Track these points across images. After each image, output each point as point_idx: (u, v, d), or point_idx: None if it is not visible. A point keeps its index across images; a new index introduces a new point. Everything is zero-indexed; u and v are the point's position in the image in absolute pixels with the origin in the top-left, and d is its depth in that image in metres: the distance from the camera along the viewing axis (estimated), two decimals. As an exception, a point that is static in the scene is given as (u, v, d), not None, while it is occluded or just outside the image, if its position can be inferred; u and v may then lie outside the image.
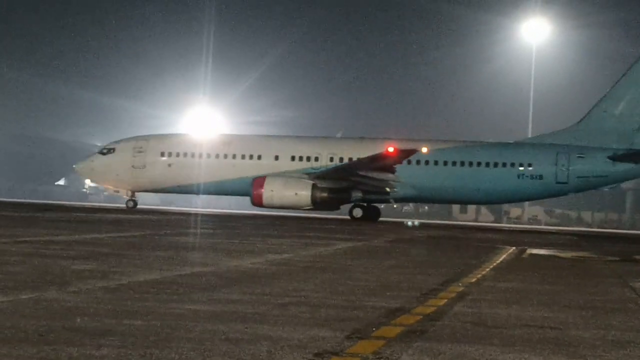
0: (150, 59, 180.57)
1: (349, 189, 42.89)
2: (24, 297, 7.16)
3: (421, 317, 7.06)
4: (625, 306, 8.86)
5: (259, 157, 44.89)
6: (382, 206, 49.71)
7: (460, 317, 7.23)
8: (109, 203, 69.48)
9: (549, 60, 79.99)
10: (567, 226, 72.60)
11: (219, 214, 45.45)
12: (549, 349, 5.84)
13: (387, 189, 43.21)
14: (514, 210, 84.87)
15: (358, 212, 43.68)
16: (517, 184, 43.52)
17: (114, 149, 45.63)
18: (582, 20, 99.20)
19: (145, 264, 11.06)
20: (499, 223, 74.71)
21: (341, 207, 45.32)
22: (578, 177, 43.30)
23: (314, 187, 41.75)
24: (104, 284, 8.40)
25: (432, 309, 7.64)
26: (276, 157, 44.65)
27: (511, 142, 47.06)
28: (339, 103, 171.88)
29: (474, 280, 10.97)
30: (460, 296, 8.90)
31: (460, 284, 10.17)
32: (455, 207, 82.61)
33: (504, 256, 16.89)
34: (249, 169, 44.05)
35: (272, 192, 41.50)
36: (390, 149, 40.25)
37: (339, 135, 49.11)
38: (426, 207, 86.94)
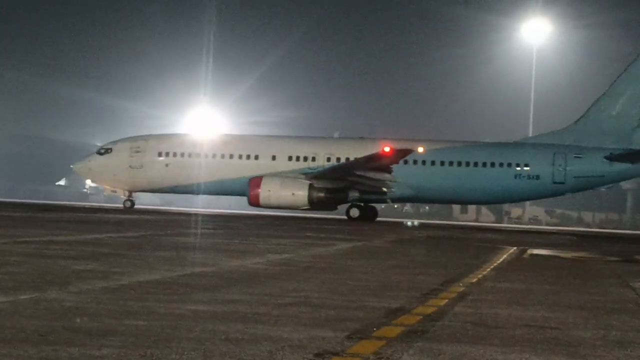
0: (151, 59, 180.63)
1: (346, 189, 42.93)
2: (24, 297, 7.16)
3: (422, 317, 7.06)
4: (626, 306, 8.85)
5: (256, 157, 44.95)
6: (383, 206, 49.76)
7: (461, 317, 7.23)
8: (110, 203, 69.44)
9: (550, 61, 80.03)
10: (568, 226, 72.59)
11: (220, 214, 45.46)
12: (549, 349, 5.84)
13: (384, 189, 43.27)
14: (515, 211, 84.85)
15: (355, 212, 43.72)
16: (514, 184, 43.59)
17: (111, 149, 45.69)
18: (583, 21, 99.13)
19: (146, 264, 11.06)
20: (500, 223, 74.70)
21: (338, 207, 45.34)
22: (575, 177, 43.37)
23: (310, 187, 41.79)
24: (104, 284, 8.40)
25: (433, 309, 7.64)
26: (273, 157, 44.71)
27: (508, 142, 47.07)
28: (339, 103, 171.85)
29: (474, 280, 10.97)
30: (461, 296, 8.89)
31: (461, 284, 10.17)
32: (456, 208, 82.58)
33: (504, 256, 16.89)
34: (247, 169, 44.08)
35: (269, 192, 41.56)
36: (386, 149, 40.29)
37: (336, 135, 49.19)
38: (427, 208, 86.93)
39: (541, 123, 76.62)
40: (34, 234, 17.14)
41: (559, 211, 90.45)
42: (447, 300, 8.38)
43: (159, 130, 52.27)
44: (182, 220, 32.90)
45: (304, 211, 44.04)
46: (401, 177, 43.03)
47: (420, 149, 42.64)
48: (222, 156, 45.10)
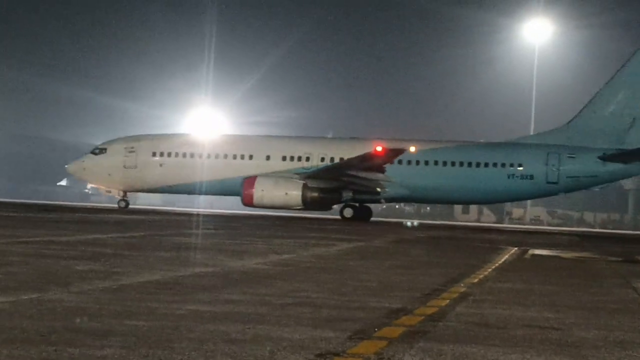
0: (152, 59, 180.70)
1: (340, 189, 42.98)
2: (25, 297, 7.16)
3: (423, 317, 7.05)
4: (628, 307, 8.85)
5: (251, 157, 45.05)
6: (384, 206, 49.76)
7: (463, 317, 7.22)
8: (111, 204, 69.47)
9: (551, 61, 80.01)
10: (569, 226, 72.57)
11: (220, 214, 45.48)
12: (551, 349, 5.83)
13: (378, 189, 43.34)
14: (516, 211, 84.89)
15: (349, 212, 43.77)
16: (507, 184, 43.67)
17: (105, 149, 45.80)
18: (584, 21, 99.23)
19: (147, 264, 11.06)
20: (501, 223, 74.69)
21: (333, 207, 45.32)
22: (568, 177, 43.47)
23: (304, 187, 41.84)
24: (105, 284, 8.40)
25: (434, 309, 7.64)
26: (267, 157, 44.81)
27: (502, 142, 47.11)
28: (340, 103, 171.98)
29: (476, 280, 10.96)
30: (462, 297, 8.89)
31: (462, 285, 10.16)
32: (457, 208, 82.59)
33: (506, 256, 16.88)
34: (241, 169, 44.15)
35: (263, 192, 41.62)
36: (378, 149, 40.33)
37: (330, 135, 49.32)
38: (428, 208, 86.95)
39: (542, 123, 76.66)
40: (34, 234, 17.15)
41: (560, 211, 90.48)
42: (448, 301, 8.38)
43: (159, 131, 52.26)
44: (182, 220, 32.90)
45: (297, 211, 44.08)
46: (395, 177, 43.11)
47: (412, 149, 42.74)
48: (217, 156, 45.20)
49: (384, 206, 78.63)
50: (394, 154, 41.16)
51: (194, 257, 12.97)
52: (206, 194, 48.24)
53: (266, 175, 42.76)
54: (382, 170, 42.25)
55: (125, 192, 46.46)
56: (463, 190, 44.22)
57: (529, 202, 76.74)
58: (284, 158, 44.63)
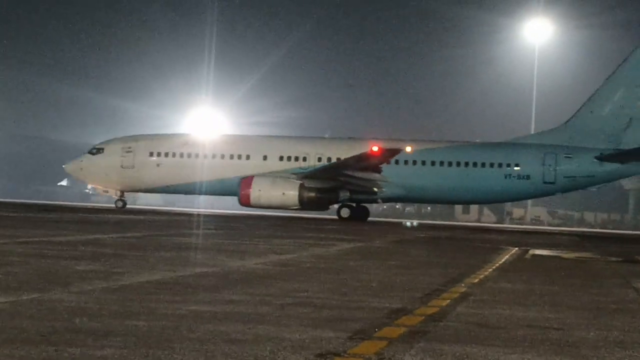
0: (152, 59, 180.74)
1: (337, 188, 43.00)
2: (25, 297, 7.16)
3: (424, 317, 7.05)
4: (628, 307, 8.84)
5: (248, 157, 45.08)
6: (385, 206, 49.80)
7: (463, 317, 7.22)
8: (111, 204, 69.46)
9: (552, 61, 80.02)
10: (570, 227, 72.56)
11: (220, 215, 45.49)
12: (551, 349, 5.83)
13: (375, 189, 43.37)
14: (517, 211, 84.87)
15: (345, 212, 43.80)
16: (504, 184, 43.69)
17: (103, 149, 45.83)
18: (585, 21, 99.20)
19: (147, 264, 11.06)
20: (502, 224, 74.67)
21: (330, 207, 45.31)
22: (565, 177, 43.49)
23: (301, 187, 41.86)
24: (105, 284, 8.39)
25: (435, 309, 7.64)
26: (264, 157, 44.85)
27: (499, 142, 47.14)
28: (340, 104, 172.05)
29: (476, 280, 10.96)
30: (463, 297, 8.89)
31: (462, 285, 10.16)
32: (458, 208, 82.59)
33: (506, 257, 16.88)
34: (238, 169, 44.17)
35: (260, 192, 41.65)
36: (375, 149, 40.35)
37: (327, 135, 49.36)
38: (428, 208, 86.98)
39: (543, 123, 76.58)
40: (35, 235, 17.15)
41: (561, 211, 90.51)
42: (448, 301, 8.38)
43: (159, 131, 52.26)
44: (183, 220, 32.91)
45: (294, 211, 44.09)
46: (392, 177, 43.14)
47: (408, 149, 42.78)
48: (214, 156, 45.22)
49: (385, 206, 78.70)
50: (390, 154, 41.20)
51: (194, 257, 12.97)
52: (204, 194, 48.26)
53: (263, 175, 42.79)
54: (379, 170, 42.29)
55: (122, 192, 46.50)
56: (460, 190, 44.26)
57: (529, 202, 76.75)
58: (281, 158, 44.67)
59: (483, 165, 43.86)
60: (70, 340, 5.32)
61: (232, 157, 45.22)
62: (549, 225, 77.11)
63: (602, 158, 42.86)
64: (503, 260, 15.79)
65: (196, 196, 57.60)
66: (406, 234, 30.18)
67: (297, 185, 41.86)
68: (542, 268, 14.72)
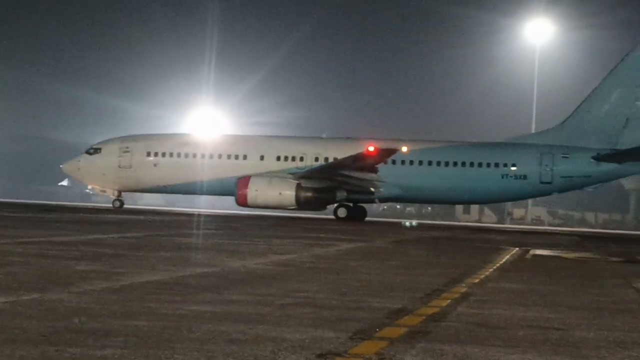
0: (153, 59, 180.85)
1: (334, 188, 43.00)
2: (26, 297, 7.16)
3: (424, 317, 7.05)
4: (629, 307, 8.84)
5: (245, 157, 45.09)
6: (386, 206, 49.74)
7: (464, 317, 7.22)
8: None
9: (552, 61, 80.00)
10: (571, 227, 72.54)
11: (220, 215, 45.50)
12: (552, 349, 5.83)
13: (372, 189, 43.39)
14: (517, 211, 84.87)
15: (342, 212, 43.82)
16: (501, 183, 43.69)
17: (100, 149, 45.87)
18: (585, 21, 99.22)
19: (148, 264, 11.06)
20: (502, 224, 74.67)
21: (327, 207, 45.27)
22: (562, 177, 43.50)
23: (298, 186, 41.87)
24: (106, 284, 8.39)
25: (436, 309, 7.63)
26: (261, 157, 44.86)
27: (495, 142, 47.15)
28: (341, 104, 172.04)
29: (477, 281, 10.96)
30: (464, 297, 8.88)
31: (463, 285, 10.16)
32: (458, 208, 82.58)
33: (507, 257, 16.88)
34: (235, 169, 44.18)
35: (257, 191, 41.68)
36: (371, 149, 40.35)
37: (324, 135, 49.39)
38: (429, 208, 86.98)
39: (543, 123, 76.51)
40: (35, 235, 17.16)
41: (561, 212, 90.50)
42: (449, 301, 8.37)
43: (160, 131, 52.24)
44: (183, 220, 32.92)
45: (291, 211, 44.10)
46: (388, 177, 43.15)
47: (404, 149, 42.79)
48: (211, 156, 45.24)
49: (385, 206, 78.69)
50: (386, 154, 41.21)
51: (194, 257, 12.97)
52: (201, 194, 48.31)
53: (260, 175, 42.79)
54: (375, 170, 42.29)
55: (120, 192, 46.52)
56: (456, 190, 44.27)
57: (529, 202, 76.77)
58: (278, 158, 44.69)
59: (480, 165, 43.89)
60: (70, 340, 5.32)
61: (229, 157, 45.24)
62: (550, 225, 77.09)
63: (599, 158, 42.88)
64: (504, 260, 15.79)
65: (197, 196, 57.65)
66: (406, 234, 30.18)
67: (294, 185, 41.87)
68: (543, 268, 14.72)
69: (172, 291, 8.14)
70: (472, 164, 43.95)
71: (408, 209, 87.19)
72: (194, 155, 45.27)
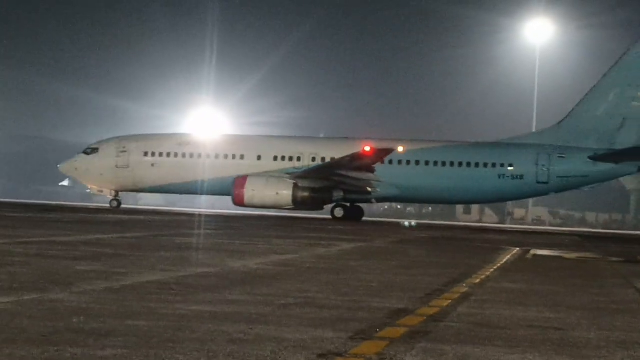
0: (153, 59, 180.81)
1: (331, 188, 42.99)
2: (27, 297, 7.16)
3: (425, 318, 7.05)
4: (629, 307, 8.84)
5: (242, 157, 45.10)
6: (386, 206, 49.71)
7: (464, 318, 7.22)
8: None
9: (553, 61, 79.97)
10: (571, 227, 72.52)
11: (221, 215, 45.50)
12: (552, 350, 5.83)
13: (369, 189, 43.38)
14: (518, 211, 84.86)
15: (339, 212, 43.79)
16: (498, 184, 43.69)
17: (97, 149, 45.88)
18: (585, 21, 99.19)
19: (149, 264, 11.06)
20: (503, 224, 74.66)
21: (324, 207, 45.23)
22: (559, 177, 43.49)
23: (295, 186, 41.87)
24: (107, 284, 8.40)
25: (436, 309, 7.64)
26: (259, 157, 44.87)
27: (492, 142, 47.14)
28: (341, 104, 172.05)
29: (477, 281, 10.96)
30: (464, 297, 8.89)
31: (464, 285, 10.16)
32: (459, 208, 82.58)
33: (508, 257, 16.88)
34: (232, 169, 44.18)
35: (254, 191, 41.69)
36: (367, 148, 40.36)
37: (321, 135, 49.41)
38: (430, 208, 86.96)
39: (544, 123, 76.40)
40: (37, 235, 17.16)
41: (562, 212, 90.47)
42: (450, 301, 8.38)
43: (160, 131, 52.26)
44: (183, 220, 32.92)
45: (288, 211, 44.10)
46: (385, 177, 43.15)
47: (400, 149, 42.80)
48: (208, 156, 45.24)
49: (386, 206, 78.68)
50: (382, 154, 41.21)
51: (195, 258, 12.98)
52: (198, 193, 48.33)
53: (257, 175, 42.81)
54: (372, 170, 42.29)
55: (117, 192, 46.53)
56: (453, 190, 44.27)
57: (530, 202, 76.75)
58: (275, 158, 44.70)
59: (477, 165, 43.91)
60: (71, 340, 5.32)
61: (226, 157, 45.25)
62: (551, 225, 77.06)
63: (596, 158, 42.87)
64: (504, 260, 15.79)
65: (197, 196, 57.63)
66: (407, 234, 30.18)
67: (291, 185, 41.88)
68: (544, 268, 14.72)
69: (172, 291, 8.15)
70: (468, 164, 43.97)
71: (409, 209, 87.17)
72: (192, 155, 45.31)
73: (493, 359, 5.40)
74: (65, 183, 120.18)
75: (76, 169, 46.50)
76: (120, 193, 47.01)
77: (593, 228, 75.22)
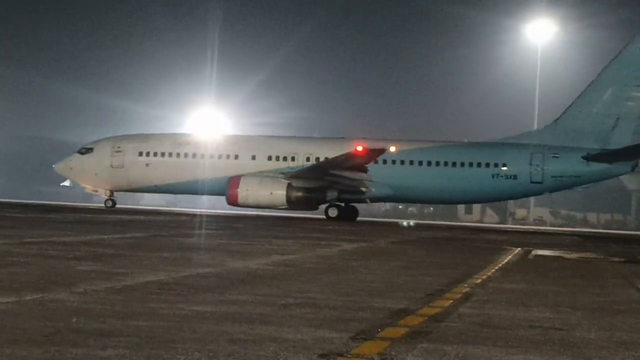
0: (154, 59, 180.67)
1: (324, 188, 42.97)
2: (28, 297, 7.16)
3: (426, 318, 7.05)
4: (631, 307, 8.84)
5: (236, 157, 45.11)
6: (388, 206, 49.66)
7: (466, 318, 7.22)
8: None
9: (554, 61, 79.93)
10: (573, 227, 72.50)
11: (221, 215, 45.51)
12: (554, 350, 5.82)
13: (362, 189, 43.38)
14: (520, 211, 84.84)
15: (333, 212, 43.79)
16: (491, 183, 43.66)
17: (92, 149, 45.88)
18: (587, 21, 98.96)
19: (150, 264, 11.06)
20: (504, 224, 74.65)
21: (319, 206, 45.20)
22: (552, 176, 43.46)
23: (289, 186, 41.87)
24: (108, 284, 8.40)
25: (437, 309, 7.63)
26: (253, 157, 44.86)
27: (486, 142, 47.12)
28: (343, 104, 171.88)
29: (479, 281, 10.95)
30: (466, 297, 8.88)
31: (465, 285, 10.16)
32: (460, 208, 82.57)
33: (509, 257, 16.87)
34: (226, 169, 44.18)
35: (248, 191, 41.70)
36: (359, 148, 40.36)
37: (316, 135, 49.42)
38: (431, 208, 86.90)
39: (546, 123, 76.40)
40: (38, 235, 17.16)
41: (564, 212, 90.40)
42: (451, 301, 8.37)
43: (161, 131, 52.26)
44: (184, 220, 32.93)
45: (282, 210, 44.09)
46: (379, 177, 43.14)
47: (392, 149, 42.80)
48: (202, 156, 45.25)
49: (387, 206, 78.65)
50: (374, 154, 41.21)
51: (196, 258, 12.98)
52: (193, 193, 48.35)
53: (251, 174, 42.82)
54: (365, 170, 42.28)
55: (112, 191, 46.54)
56: (447, 190, 44.27)
57: (532, 202, 76.72)
58: (269, 158, 44.71)
59: (470, 165, 43.90)
60: (73, 340, 5.32)
61: (220, 157, 45.27)
62: (552, 225, 77.01)
63: (590, 158, 42.86)
64: (506, 260, 15.79)
65: (197, 197, 57.65)
66: (409, 235, 30.18)
67: (285, 185, 41.88)
68: (545, 268, 14.71)
69: (173, 291, 8.15)
70: (462, 164, 43.97)
71: (410, 209, 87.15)
72: (186, 155, 45.35)
73: (494, 359, 5.40)
74: (67, 183, 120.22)
75: (71, 168, 46.50)
76: (115, 193, 47.02)
77: (594, 228, 75.19)
